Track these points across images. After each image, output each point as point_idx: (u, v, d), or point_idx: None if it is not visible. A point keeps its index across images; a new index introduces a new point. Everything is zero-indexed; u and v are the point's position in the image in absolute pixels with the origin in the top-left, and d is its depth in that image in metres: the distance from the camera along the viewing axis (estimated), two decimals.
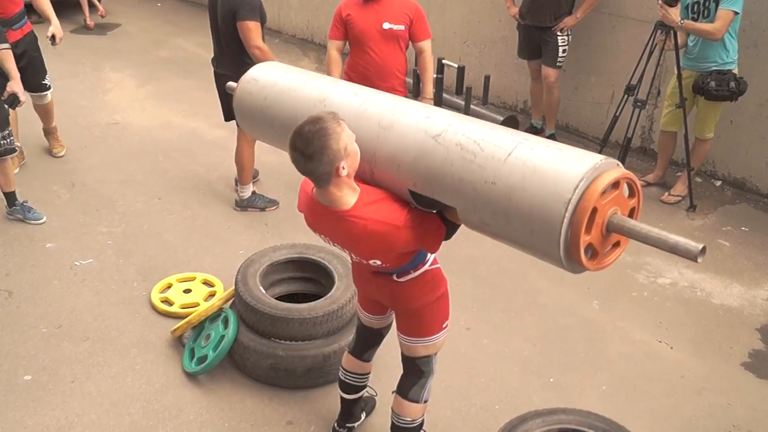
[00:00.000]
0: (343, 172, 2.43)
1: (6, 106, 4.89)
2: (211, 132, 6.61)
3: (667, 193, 5.74)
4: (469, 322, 4.26)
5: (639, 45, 5.49)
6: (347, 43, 4.94)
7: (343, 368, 3.34)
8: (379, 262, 2.66)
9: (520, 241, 2.29)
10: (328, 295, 3.78)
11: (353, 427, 3.50)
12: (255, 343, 3.67)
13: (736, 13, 5.03)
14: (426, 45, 4.88)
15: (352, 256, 2.76)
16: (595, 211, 2.09)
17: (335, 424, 3.48)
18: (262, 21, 4.96)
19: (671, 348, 4.15)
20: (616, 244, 2.31)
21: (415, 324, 2.95)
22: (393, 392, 3.12)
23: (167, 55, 8.81)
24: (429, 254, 2.87)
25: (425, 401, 3.07)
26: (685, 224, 5.46)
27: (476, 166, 2.26)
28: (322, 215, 2.64)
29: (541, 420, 3.14)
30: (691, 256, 2.09)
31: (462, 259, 4.85)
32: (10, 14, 5.35)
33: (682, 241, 2.12)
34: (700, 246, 2.06)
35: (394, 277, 2.83)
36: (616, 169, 2.15)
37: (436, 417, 3.34)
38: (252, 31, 4.80)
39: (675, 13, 5.00)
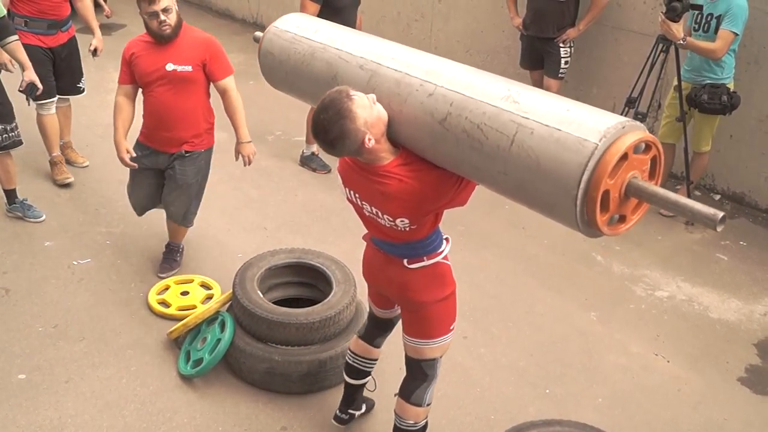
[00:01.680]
0: (370, 144, 2.49)
1: (26, 96, 4.89)
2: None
3: None
4: (466, 330, 4.25)
5: (640, 58, 5.50)
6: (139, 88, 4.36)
7: (351, 352, 3.36)
8: (407, 221, 2.64)
9: (538, 207, 2.37)
10: (326, 300, 3.77)
11: (354, 414, 3.52)
12: (251, 347, 3.67)
13: (737, 35, 5.05)
14: (227, 83, 4.36)
15: (378, 219, 2.72)
16: (606, 192, 2.09)
17: (337, 411, 3.50)
18: None
19: (668, 361, 4.15)
20: (623, 219, 2.27)
21: (422, 324, 2.93)
22: (395, 395, 3.12)
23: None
24: (444, 245, 2.89)
25: (428, 404, 3.07)
26: (684, 237, 5.46)
27: (485, 155, 2.30)
28: (357, 171, 2.67)
29: (536, 431, 3.14)
30: (711, 225, 2.03)
31: (460, 267, 4.81)
32: (62, 16, 5.41)
33: (703, 208, 2.05)
34: (721, 214, 2.00)
35: (405, 263, 2.81)
36: (620, 141, 2.07)
37: (431, 426, 3.33)
38: None
39: (678, 29, 5.00)
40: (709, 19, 5.13)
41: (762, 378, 4.06)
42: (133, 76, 4.25)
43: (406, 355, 3.05)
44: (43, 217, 5.20)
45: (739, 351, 4.27)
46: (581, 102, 2.28)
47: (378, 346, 3.35)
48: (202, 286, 4.45)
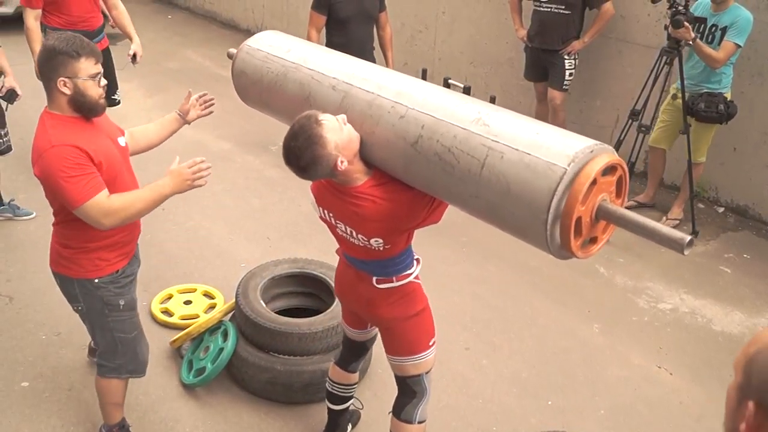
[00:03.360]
0: (343, 166, 2.48)
1: (5, 102, 4.97)
2: (216, 144, 6.63)
3: (664, 218, 5.75)
4: (468, 342, 4.25)
5: (644, 70, 5.52)
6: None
7: (329, 379, 3.35)
8: (381, 241, 2.64)
9: (516, 235, 2.34)
10: (328, 310, 3.78)
11: None
12: (253, 357, 3.67)
13: (739, 47, 5.07)
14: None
15: (351, 238, 2.72)
16: (579, 218, 2.11)
17: None
18: None
19: (671, 374, 4.14)
20: (593, 240, 2.30)
21: (398, 341, 2.93)
22: (389, 413, 3.10)
23: (175, 67, 8.86)
24: (414, 266, 2.87)
25: (420, 422, 3.03)
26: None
27: (457, 179, 2.30)
28: (331, 191, 2.67)
29: None
30: (678, 249, 2.05)
31: (462, 278, 4.85)
32: (94, 27, 5.43)
33: (671, 231, 2.08)
34: (688, 238, 2.02)
35: (374, 282, 2.81)
36: (588, 167, 2.08)
37: None
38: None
39: (688, 29, 5.00)
40: (713, 30, 5.15)
41: None
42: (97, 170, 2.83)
43: (394, 374, 3.05)
44: (34, 215, 5.25)
45: None
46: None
47: (354, 371, 3.32)
48: (204, 295, 4.46)
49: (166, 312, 4.29)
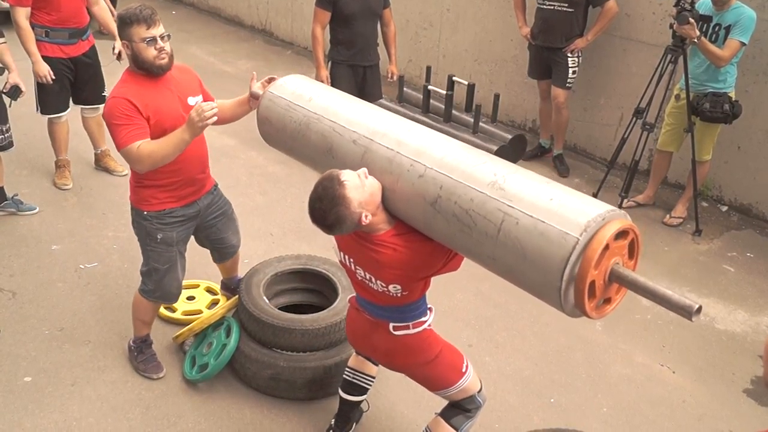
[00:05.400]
0: (367, 220, 2.58)
1: (9, 98, 4.97)
2: (219, 140, 6.62)
3: (668, 216, 5.75)
4: (471, 339, 4.25)
5: (649, 68, 5.51)
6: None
7: (348, 368, 3.38)
8: (399, 287, 2.70)
9: (534, 295, 2.43)
10: (331, 306, 3.78)
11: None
12: (256, 353, 3.67)
13: (744, 45, 5.06)
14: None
15: (370, 284, 2.78)
16: (593, 282, 2.20)
17: (333, 425, 3.49)
18: None
19: (673, 372, 4.14)
20: (608, 300, 2.42)
21: (429, 382, 2.99)
22: (436, 414, 3.11)
23: (179, 63, 8.84)
24: (428, 314, 2.93)
25: None
26: (690, 249, 5.45)
27: (474, 240, 2.40)
28: (353, 238, 2.73)
29: None
30: (686, 316, 2.15)
31: (466, 276, 4.83)
32: (83, 24, 5.41)
33: (680, 299, 2.17)
34: (696, 305, 2.11)
35: (391, 329, 2.86)
36: (600, 234, 2.17)
37: None
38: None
39: (693, 26, 4.99)
40: (717, 29, 5.14)
41: (767, 390, 4.05)
42: (147, 127, 3.28)
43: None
44: (37, 209, 5.26)
45: (745, 363, 4.26)
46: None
47: (376, 363, 3.34)
48: (207, 291, 4.46)
49: (169, 308, 4.29)
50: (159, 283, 3.64)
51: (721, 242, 5.57)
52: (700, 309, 2.10)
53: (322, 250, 4.74)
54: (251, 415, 3.64)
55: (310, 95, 3.02)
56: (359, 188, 2.54)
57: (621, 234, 2.24)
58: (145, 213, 3.51)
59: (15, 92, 4.93)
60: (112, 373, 3.85)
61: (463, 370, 2.98)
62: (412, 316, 2.87)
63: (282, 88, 3.12)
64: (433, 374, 2.96)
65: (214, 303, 4.33)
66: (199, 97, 3.49)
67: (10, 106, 5.03)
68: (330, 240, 5.11)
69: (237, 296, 3.89)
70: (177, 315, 4.23)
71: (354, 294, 3.06)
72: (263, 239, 5.18)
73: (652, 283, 2.22)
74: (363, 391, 3.39)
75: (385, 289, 2.73)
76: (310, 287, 4.14)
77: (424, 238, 2.65)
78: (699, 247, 5.48)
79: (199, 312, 4.24)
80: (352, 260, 2.82)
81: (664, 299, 2.17)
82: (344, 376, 3.39)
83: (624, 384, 4.02)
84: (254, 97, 3.35)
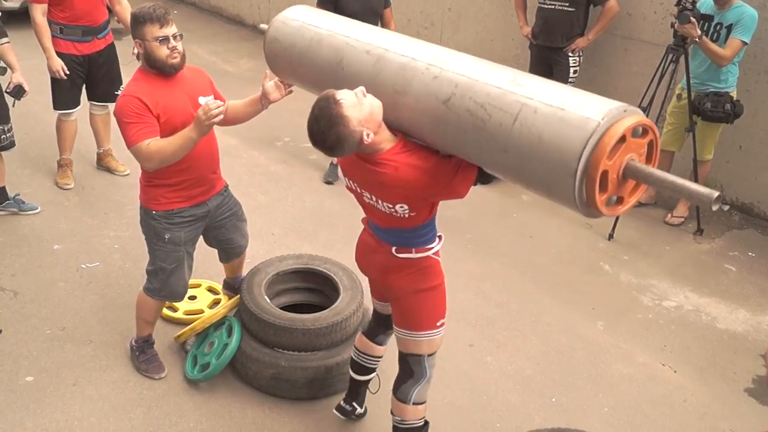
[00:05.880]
0: (369, 138, 2.55)
1: (12, 98, 4.98)
2: (221, 139, 6.56)
3: (670, 215, 5.75)
4: (472, 338, 4.25)
5: (650, 68, 5.50)
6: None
7: (355, 348, 3.44)
8: (406, 207, 2.68)
9: (538, 189, 2.36)
10: (333, 306, 3.78)
11: (356, 408, 3.56)
12: (258, 353, 3.67)
13: (745, 44, 5.06)
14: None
15: (377, 206, 2.77)
16: (605, 172, 2.14)
17: (342, 401, 3.55)
18: None
19: (675, 372, 4.14)
20: (620, 200, 2.33)
21: (407, 314, 2.95)
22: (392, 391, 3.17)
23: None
24: (435, 241, 2.91)
25: (415, 403, 3.05)
26: (691, 248, 5.45)
27: (487, 133, 2.33)
28: (355, 160, 2.72)
29: None
30: (706, 203, 2.08)
31: (467, 275, 4.85)
32: (98, 22, 5.43)
33: (699, 188, 2.11)
34: (716, 193, 2.06)
35: (394, 251, 2.86)
36: (618, 124, 2.13)
37: None
38: None
39: (695, 25, 4.99)
40: (718, 28, 5.14)
41: None
42: (157, 125, 3.30)
43: (398, 349, 3.08)
44: (39, 209, 5.26)
45: (747, 362, 4.25)
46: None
47: (381, 344, 3.39)
48: (209, 290, 4.46)
49: (171, 307, 4.29)
50: (165, 282, 3.65)
51: (722, 242, 5.57)
52: (720, 197, 2.06)
53: (323, 249, 4.75)
54: (253, 414, 3.64)
55: (325, 18, 3.06)
56: (357, 106, 2.51)
57: (641, 132, 2.20)
58: (154, 212, 3.52)
59: (18, 92, 4.94)
60: (113, 373, 3.85)
61: (438, 324, 2.96)
62: (417, 242, 2.86)
63: (296, 12, 3.13)
64: (416, 306, 2.92)
65: (216, 303, 4.33)
66: (210, 97, 3.48)
67: (13, 105, 5.04)
68: (331, 239, 5.12)
69: (238, 296, 3.89)
70: (178, 314, 4.24)
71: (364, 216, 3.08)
72: (265, 239, 5.18)
73: (669, 174, 2.18)
74: (367, 371, 3.45)
75: (392, 209, 2.72)
76: (311, 287, 4.14)
77: (427, 153, 2.63)
78: (700, 247, 5.48)
79: (201, 311, 4.24)
80: (356, 184, 2.81)
81: (683, 189, 2.13)
82: (351, 355, 3.46)
83: (625, 383, 4.02)
84: (266, 96, 3.37)
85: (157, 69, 3.37)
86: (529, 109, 2.24)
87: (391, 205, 2.71)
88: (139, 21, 3.33)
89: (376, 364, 3.45)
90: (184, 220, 3.56)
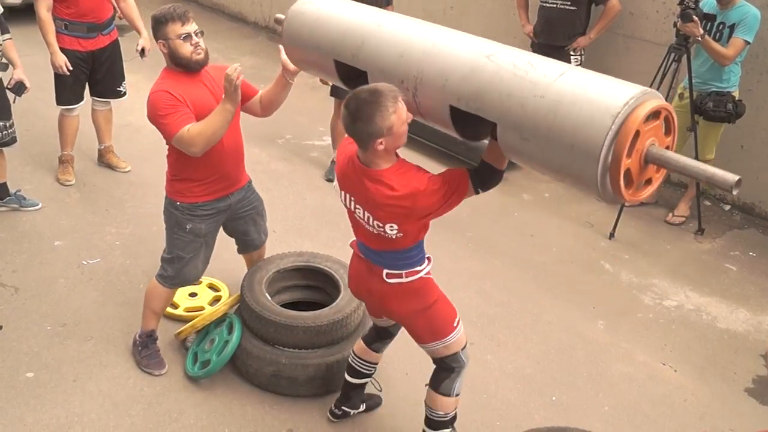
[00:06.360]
0: (380, 148, 2.63)
1: (13, 94, 4.98)
2: None
3: (671, 214, 5.75)
4: (472, 337, 4.24)
5: (652, 67, 5.49)
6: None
7: (353, 352, 3.46)
8: (396, 227, 2.73)
9: (557, 160, 2.31)
10: (333, 304, 3.78)
11: (349, 412, 3.57)
12: (258, 350, 3.68)
13: (748, 43, 5.06)
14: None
15: (368, 225, 2.82)
16: (637, 134, 2.15)
17: (332, 405, 3.57)
18: None
19: (675, 371, 4.14)
20: (648, 182, 2.36)
21: (421, 332, 3.03)
22: (426, 385, 3.19)
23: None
24: (424, 263, 2.96)
25: (457, 395, 3.14)
26: (692, 247, 5.45)
27: (527, 81, 2.33)
28: (354, 173, 2.78)
29: None
30: (727, 187, 2.11)
31: (468, 274, 4.85)
32: (102, 19, 5.42)
33: (719, 172, 2.14)
34: (736, 177, 2.09)
35: (385, 275, 2.90)
36: (659, 99, 2.21)
37: None
38: None
39: (697, 24, 4.98)
40: (721, 28, 5.13)
41: None
42: (192, 113, 3.38)
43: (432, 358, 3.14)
44: (40, 205, 5.27)
45: (747, 362, 4.25)
46: None
47: (377, 351, 3.42)
48: (210, 287, 4.46)
49: (172, 304, 4.28)
50: (180, 270, 3.72)
51: (723, 241, 5.57)
52: (740, 182, 2.09)
53: (324, 247, 4.74)
54: (253, 411, 3.64)
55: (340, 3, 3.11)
56: (401, 121, 2.60)
57: (653, 115, 2.22)
58: (178, 203, 3.62)
59: (20, 88, 4.94)
60: (114, 369, 3.85)
61: (455, 324, 3.03)
62: (406, 264, 2.91)
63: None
64: (425, 324, 3.00)
65: (217, 300, 4.33)
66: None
67: (14, 102, 5.04)
68: (332, 237, 5.11)
69: (239, 293, 3.89)
70: (179, 312, 4.24)
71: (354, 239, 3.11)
72: None
73: (687, 159, 2.23)
74: (362, 375, 3.47)
75: (382, 229, 2.77)
76: (312, 284, 4.14)
77: (421, 177, 2.69)
78: (701, 246, 5.48)
79: (202, 309, 4.24)
80: (352, 199, 2.85)
81: (704, 173, 2.16)
82: (348, 360, 3.48)
83: (625, 383, 4.02)
84: (287, 69, 3.49)
85: (183, 66, 3.46)
86: (576, 71, 2.31)
87: (381, 225, 2.76)
88: (160, 21, 3.42)
89: (372, 370, 3.48)
90: (206, 213, 3.65)
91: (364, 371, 3.46)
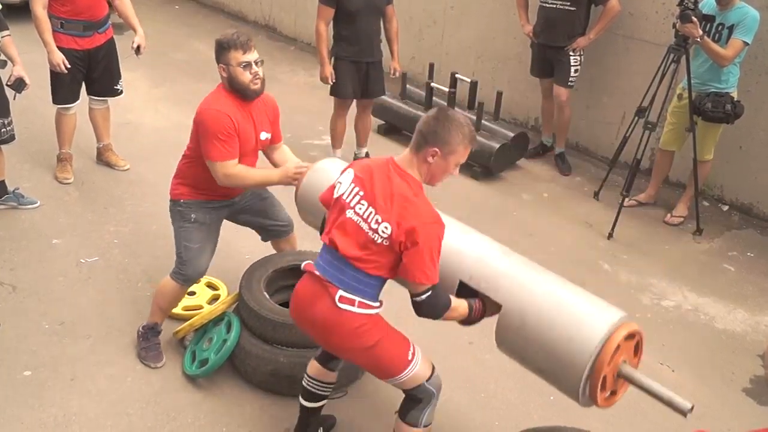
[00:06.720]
0: (430, 158, 2.76)
1: (13, 91, 4.97)
2: None
3: (669, 215, 5.75)
4: (471, 336, 4.25)
5: (652, 67, 5.49)
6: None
7: (307, 375, 3.31)
8: (389, 231, 2.72)
9: (550, 353, 2.74)
10: None
11: None
12: (256, 349, 3.67)
13: (747, 44, 5.06)
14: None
15: (361, 222, 2.79)
16: (618, 347, 2.65)
17: None
18: None
19: (673, 371, 4.14)
20: (614, 392, 2.85)
21: (372, 369, 2.99)
22: (395, 413, 3.10)
23: (182, 57, 8.85)
24: (377, 305, 2.89)
25: (425, 425, 3.02)
26: (690, 248, 5.45)
27: (541, 278, 2.87)
28: (380, 169, 2.84)
29: None
30: (681, 412, 2.61)
31: None
32: (98, 17, 5.41)
33: (677, 398, 2.62)
34: (690, 405, 2.56)
35: (337, 299, 2.81)
36: (635, 324, 2.72)
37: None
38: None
39: (696, 25, 4.98)
40: (720, 29, 5.14)
41: (767, 389, 4.04)
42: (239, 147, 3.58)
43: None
44: (38, 203, 5.26)
45: (745, 362, 4.26)
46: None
47: (333, 369, 3.29)
48: (208, 286, 4.46)
49: None
50: (190, 262, 3.77)
51: (721, 241, 5.57)
52: (692, 408, 2.56)
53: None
54: (251, 410, 3.64)
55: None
56: (457, 159, 2.80)
57: (630, 336, 2.71)
58: (182, 201, 3.76)
59: (19, 85, 4.93)
60: (112, 368, 3.85)
61: (409, 358, 2.92)
62: (363, 291, 2.83)
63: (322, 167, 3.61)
64: (374, 363, 2.92)
65: (215, 298, 4.33)
66: (269, 135, 3.79)
67: (14, 99, 5.03)
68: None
69: (237, 292, 3.89)
70: (177, 310, 4.23)
71: (310, 261, 3.02)
72: None
73: (652, 381, 2.69)
74: (319, 398, 3.33)
75: (376, 229, 2.73)
76: None
77: (438, 220, 2.76)
78: (700, 246, 5.48)
79: (200, 307, 4.24)
80: (360, 193, 2.82)
81: (663, 396, 2.63)
82: (303, 383, 3.33)
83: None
84: (291, 180, 3.68)
85: (239, 92, 3.56)
86: (571, 284, 2.93)
87: (379, 221, 2.73)
88: (223, 47, 3.54)
89: (328, 391, 3.33)
90: (209, 207, 3.79)
91: (322, 393, 3.31)
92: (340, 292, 2.82)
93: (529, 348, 2.80)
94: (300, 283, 3.03)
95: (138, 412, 3.59)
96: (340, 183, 2.92)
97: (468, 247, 3.01)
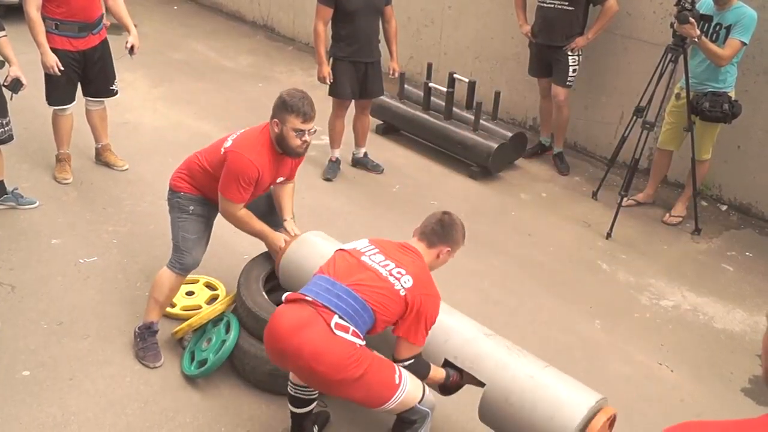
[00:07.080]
0: (443, 255, 3.12)
1: (10, 92, 4.96)
2: (221, 135, 6.60)
3: (668, 214, 5.76)
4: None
5: (650, 67, 5.50)
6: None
7: (290, 382, 3.29)
8: (411, 281, 2.91)
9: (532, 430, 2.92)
10: None
11: None
12: (255, 348, 3.67)
13: (744, 44, 5.06)
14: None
15: (378, 266, 2.96)
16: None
17: None
18: None
19: (671, 371, 4.14)
20: None
21: (363, 400, 2.95)
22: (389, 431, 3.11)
23: (181, 57, 8.85)
24: (364, 341, 2.89)
25: None
26: (689, 248, 5.45)
27: (522, 361, 3.07)
28: (395, 247, 3.08)
29: None
30: None
31: (466, 273, 4.85)
32: (93, 18, 5.39)
33: None
34: None
35: (333, 325, 2.79)
36: (609, 408, 2.98)
37: None
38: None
39: (694, 26, 4.99)
40: (717, 29, 5.14)
41: (765, 389, 4.05)
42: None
43: None
44: (37, 203, 5.25)
45: (744, 362, 4.26)
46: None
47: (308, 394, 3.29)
48: (207, 286, 4.46)
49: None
50: (187, 252, 3.87)
51: (720, 241, 5.58)
52: None
53: None
54: (250, 410, 3.64)
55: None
56: (451, 253, 3.18)
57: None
58: (181, 193, 3.87)
59: (16, 85, 4.92)
60: (110, 368, 3.85)
61: (397, 382, 2.89)
62: (359, 322, 2.84)
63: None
64: (363, 393, 2.87)
65: (214, 298, 4.33)
66: (285, 177, 3.95)
67: (11, 99, 5.02)
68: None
69: (236, 292, 3.89)
70: (176, 310, 4.23)
71: (288, 293, 3.00)
72: None
73: None
74: (307, 403, 3.32)
75: (401, 277, 2.89)
76: None
77: (438, 300, 3.00)
78: (698, 246, 5.49)
79: (198, 307, 4.24)
80: (378, 250, 3.03)
81: None
82: (288, 389, 3.31)
83: (622, 382, 4.03)
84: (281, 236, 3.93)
85: (282, 148, 3.69)
86: (552, 369, 3.11)
87: (403, 272, 2.91)
88: (286, 108, 3.57)
89: (314, 395, 3.30)
90: (206, 201, 3.89)
91: (307, 397, 3.29)
92: (336, 320, 2.79)
93: (511, 424, 2.97)
94: (281, 311, 2.94)
95: (136, 411, 3.59)
96: (353, 246, 3.11)
97: (454, 327, 3.24)
